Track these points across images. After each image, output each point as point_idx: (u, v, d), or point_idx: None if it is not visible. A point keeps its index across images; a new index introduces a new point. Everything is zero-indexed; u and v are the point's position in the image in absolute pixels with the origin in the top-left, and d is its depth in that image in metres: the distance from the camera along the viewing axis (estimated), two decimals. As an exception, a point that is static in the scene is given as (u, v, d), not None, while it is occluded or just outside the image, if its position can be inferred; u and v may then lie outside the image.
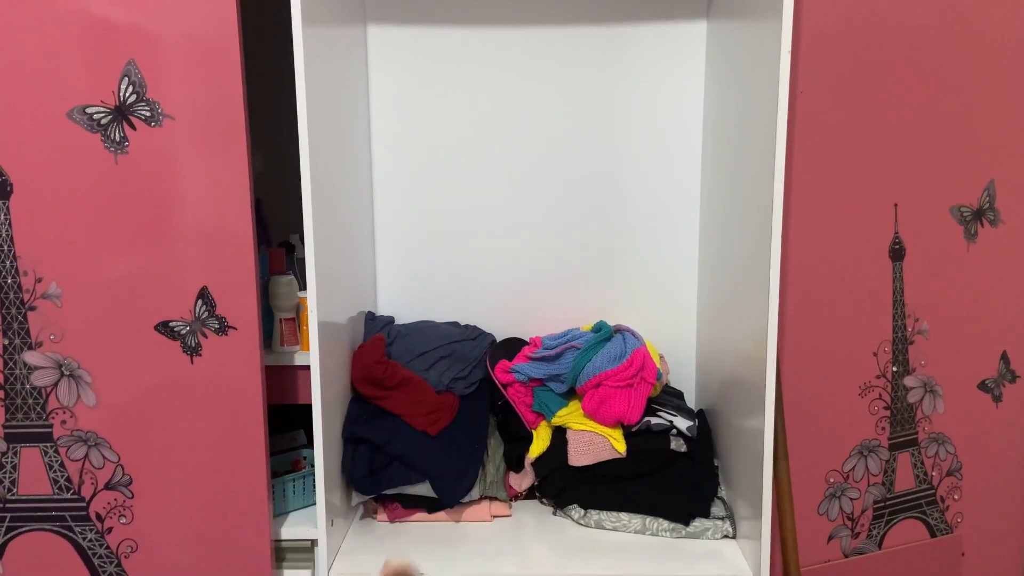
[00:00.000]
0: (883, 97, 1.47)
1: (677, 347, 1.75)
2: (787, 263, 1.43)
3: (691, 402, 1.76)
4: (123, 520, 1.34)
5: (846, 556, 1.56)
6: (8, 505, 1.32)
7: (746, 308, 1.38)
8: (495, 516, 1.53)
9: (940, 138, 1.50)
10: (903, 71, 1.47)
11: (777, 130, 1.22)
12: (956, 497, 1.62)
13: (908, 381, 1.56)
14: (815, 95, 1.43)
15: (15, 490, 1.32)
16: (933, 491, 1.60)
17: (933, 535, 1.61)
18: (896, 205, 1.51)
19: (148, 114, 1.24)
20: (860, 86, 1.45)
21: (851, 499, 1.55)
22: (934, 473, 1.60)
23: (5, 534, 1.33)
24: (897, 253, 1.52)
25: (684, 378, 1.77)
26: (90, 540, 1.34)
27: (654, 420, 1.50)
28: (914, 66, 1.47)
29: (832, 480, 1.54)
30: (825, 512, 1.54)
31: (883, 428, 1.55)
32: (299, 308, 1.55)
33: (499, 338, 1.74)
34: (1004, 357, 1.61)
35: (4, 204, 1.25)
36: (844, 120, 1.45)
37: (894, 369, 1.55)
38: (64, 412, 1.31)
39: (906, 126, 1.48)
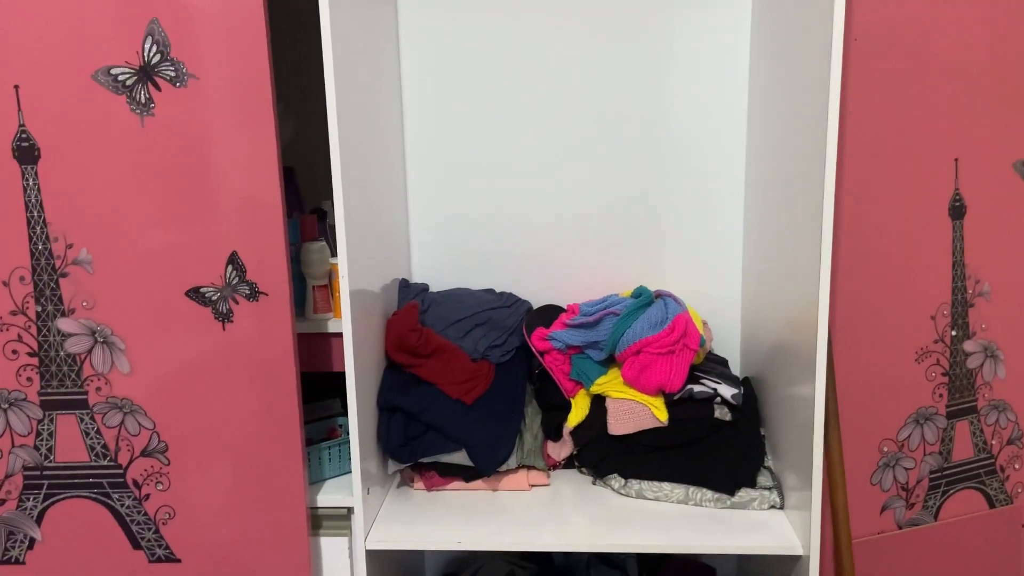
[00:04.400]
0: (942, 46, 1.38)
1: (721, 312, 1.69)
2: (839, 222, 1.36)
3: (736, 369, 1.70)
4: (160, 487, 1.33)
5: (900, 527, 1.50)
6: (46, 472, 1.33)
7: (795, 271, 1.31)
8: (533, 485, 1.50)
9: (1003, 88, 1.41)
10: (963, 17, 1.37)
11: (831, 82, 1.15)
12: (1017, 467, 1.54)
13: (967, 346, 1.48)
14: (870, 44, 1.35)
15: (52, 457, 1.32)
16: (993, 460, 1.53)
17: (992, 506, 1.55)
18: (956, 160, 1.42)
19: (173, 74, 1.21)
20: (918, 33, 1.36)
21: (906, 469, 1.49)
22: (994, 442, 1.53)
23: (44, 501, 1.34)
24: (957, 211, 1.44)
25: (729, 344, 1.71)
26: (128, 507, 1.34)
27: (697, 388, 1.45)
28: (975, 12, 1.37)
29: (886, 449, 1.47)
30: (878, 482, 1.48)
31: (940, 395, 1.48)
32: (331, 275, 1.52)
33: (535, 305, 1.70)
34: (1071, 320, 1.52)
35: (33, 169, 1.24)
36: (901, 70, 1.37)
37: (953, 333, 1.47)
38: (99, 379, 1.30)
39: (967, 76, 1.40)
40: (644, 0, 1.60)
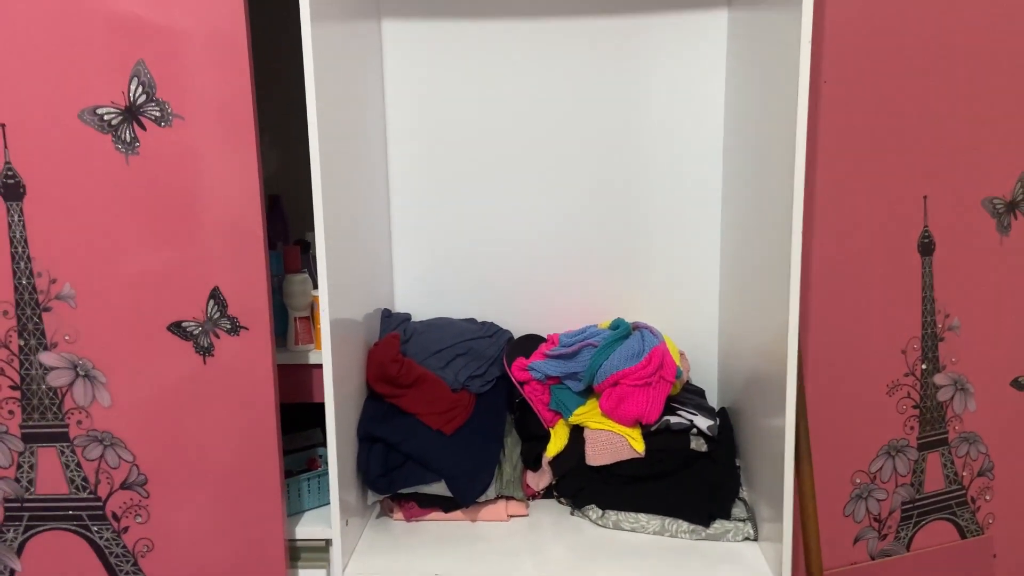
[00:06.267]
0: (911, 86, 1.41)
1: (698, 344, 1.71)
2: (811, 257, 1.40)
3: (713, 400, 1.72)
4: (139, 519, 1.34)
5: (873, 558, 1.52)
6: (26, 504, 1.34)
7: (768, 304, 1.34)
8: (512, 516, 1.51)
9: (971, 127, 1.45)
10: (932, 59, 1.41)
11: (798, 121, 1.18)
12: (988, 498, 1.57)
13: (938, 379, 1.51)
14: (840, 85, 1.38)
15: (33, 489, 1.33)
16: (964, 491, 1.56)
17: (963, 536, 1.57)
18: (926, 197, 1.46)
19: (158, 114, 1.23)
20: (888, 75, 1.40)
21: (878, 500, 1.51)
22: (965, 473, 1.55)
23: (24, 533, 1.34)
24: (926, 247, 1.47)
25: (706, 376, 1.73)
26: (107, 539, 1.34)
27: (674, 419, 1.47)
28: (943, 53, 1.41)
29: (858, 481, 1.50)
30: (851, 513, 1.50)
31: (912, 427, 1.51)
32: (314, 306, 1.54)
33: (516, 335, 1.72)
34: (1039, 354, 1.55)
35: (18, 206, 1.26)
36: (871, 110, 1.41)
37: (923, 366, 1.50)
38: (80, 412, 1.31)
39: (936, 115, 1.43)
40: (625, 39, 1.64)
